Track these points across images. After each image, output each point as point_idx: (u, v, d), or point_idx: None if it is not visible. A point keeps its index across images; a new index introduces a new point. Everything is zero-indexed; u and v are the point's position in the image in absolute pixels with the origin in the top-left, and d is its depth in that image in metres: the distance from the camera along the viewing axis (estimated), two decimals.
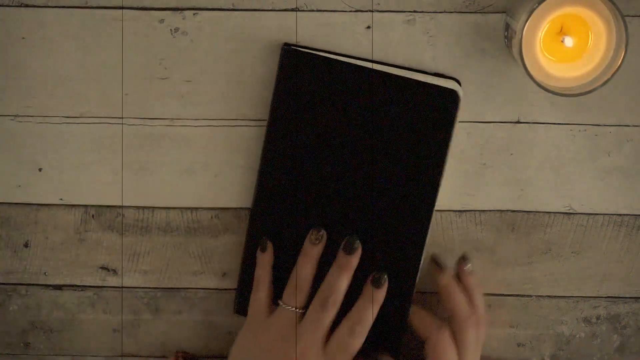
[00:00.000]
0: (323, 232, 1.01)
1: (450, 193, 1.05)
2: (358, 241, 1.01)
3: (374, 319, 1.00)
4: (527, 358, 1.10)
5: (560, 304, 1.08)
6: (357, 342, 0.99)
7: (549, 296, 1.08)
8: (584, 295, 1.08)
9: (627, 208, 1.05)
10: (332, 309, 1.00)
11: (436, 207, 1.03)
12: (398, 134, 1.00)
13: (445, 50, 1.01)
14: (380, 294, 1.01)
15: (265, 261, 1.03)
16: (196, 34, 1.01)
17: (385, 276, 1.01)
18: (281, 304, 1.01)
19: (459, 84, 1.00)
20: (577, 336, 1.09)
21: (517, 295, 1.08)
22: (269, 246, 1.02)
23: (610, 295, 1.08)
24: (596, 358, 1.10)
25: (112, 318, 1.09)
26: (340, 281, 1.00)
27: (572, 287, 1.08)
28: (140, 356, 1.11)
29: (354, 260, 1.01)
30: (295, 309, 1.00)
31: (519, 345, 1.10)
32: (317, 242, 1.01)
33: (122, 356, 1.11)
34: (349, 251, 1.01)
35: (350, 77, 0.98)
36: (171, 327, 1.09)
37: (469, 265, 1.04)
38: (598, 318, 1.09)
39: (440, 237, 1.06)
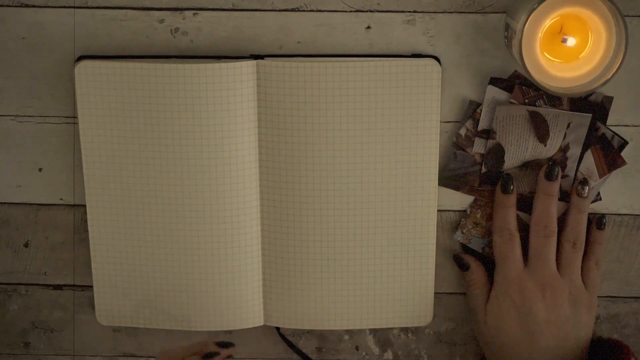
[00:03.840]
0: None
1: (451, 193, 1.05)
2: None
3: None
4: None
5: None
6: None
7: None
8: None
9: (627, 208, 1.05)
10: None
11: (436, 207, 1.03)
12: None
13: (445, 50, 1.01)
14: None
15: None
16: (196, 34, 1.01)
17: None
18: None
19: (439, 62, 1.00)
20: None
21: None
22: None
23: (610, 295, 1.08)
24: None
25: None
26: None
27: None
28: (140, 356, 1.11)
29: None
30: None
31: None
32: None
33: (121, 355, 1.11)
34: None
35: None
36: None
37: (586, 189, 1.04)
38: (598, 318, 1.09)
39: (440, 237, 1.06)
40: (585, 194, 1.02)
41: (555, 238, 1.02)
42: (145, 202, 1.03)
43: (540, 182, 1.02)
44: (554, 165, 1.02)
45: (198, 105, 1.00)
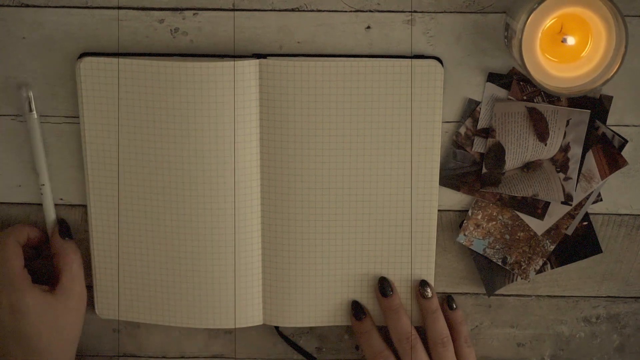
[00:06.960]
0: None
1: (451, 193, 1.05)
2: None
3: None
4: (527, 358, 1.10)
5: (560, 304, 1.08)
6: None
7: (548, 296, 1.08)
8: (583, 295, 1.08)
9: (627, 208, 1.05)
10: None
11: (437, 208, 1.03)
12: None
13: (445, 50, 1.01)
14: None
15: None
16: (196, 34, 1.01)
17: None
18: None
19: (441, 63, 1.00)
20: (577, 336, 1.10)
21: (517, 296, 1.08)
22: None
23: (610, 295, 1.08)
24: (596, 358, 1.10)
25: (113, 318, 1.09)
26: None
27: (572, 287, 1.08)
28: (140, 356, 1.11)
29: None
30: None
31: (519, 345, 1.10)
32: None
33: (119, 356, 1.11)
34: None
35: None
36: (171, 326, 1.09)
37: (428, 289, 1.05)
38: (598, 318, 1.09)
39: (440, 237, 1.06)
40: (429, 295, 1.04)
41: (420, 342, 1.04)
42: (146, 201, 1.03)
43: (380, 301, 1.05)
44: (384, 281, 1.04)
45: (200, 104, 1.00)
